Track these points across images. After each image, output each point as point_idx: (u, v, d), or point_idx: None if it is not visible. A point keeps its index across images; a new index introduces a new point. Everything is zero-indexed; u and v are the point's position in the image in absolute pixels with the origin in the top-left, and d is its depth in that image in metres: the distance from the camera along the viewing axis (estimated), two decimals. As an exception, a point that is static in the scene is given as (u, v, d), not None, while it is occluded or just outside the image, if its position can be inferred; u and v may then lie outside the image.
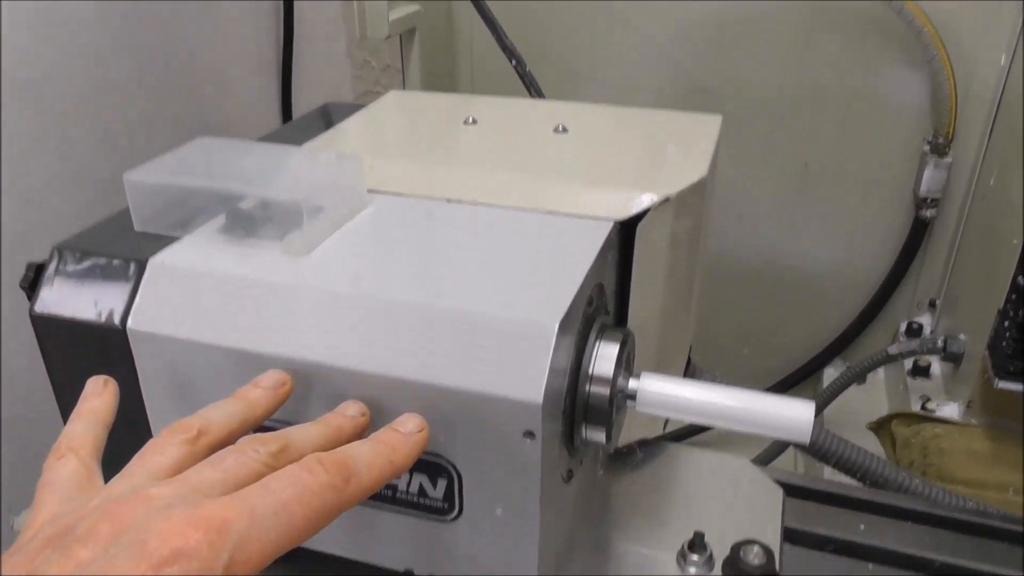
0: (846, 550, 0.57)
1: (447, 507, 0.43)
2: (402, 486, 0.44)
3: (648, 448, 0.63)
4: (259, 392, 0.39)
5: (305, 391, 0.42)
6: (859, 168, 1.11)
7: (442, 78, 1.24)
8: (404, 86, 1.17)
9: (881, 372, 1.14)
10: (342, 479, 0.32)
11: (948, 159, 1.04)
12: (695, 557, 0.52)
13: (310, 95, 1.38)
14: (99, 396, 0.40)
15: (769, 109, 1.12)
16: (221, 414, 0.37)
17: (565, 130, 0.62)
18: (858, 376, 1.02)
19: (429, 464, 0.42)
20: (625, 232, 0.51)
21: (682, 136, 0.61)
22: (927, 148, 1.05)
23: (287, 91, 1.38)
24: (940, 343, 0.95)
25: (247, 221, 0.49)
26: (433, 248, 0.48)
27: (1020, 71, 0.95)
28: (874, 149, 1.10)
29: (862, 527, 0.58)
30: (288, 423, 0.40)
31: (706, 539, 0.53)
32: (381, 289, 0.43)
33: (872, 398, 1.12)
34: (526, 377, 0.39)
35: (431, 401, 0.40)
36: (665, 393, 0.46)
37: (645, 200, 0.51)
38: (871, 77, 1.06)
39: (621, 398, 0.47)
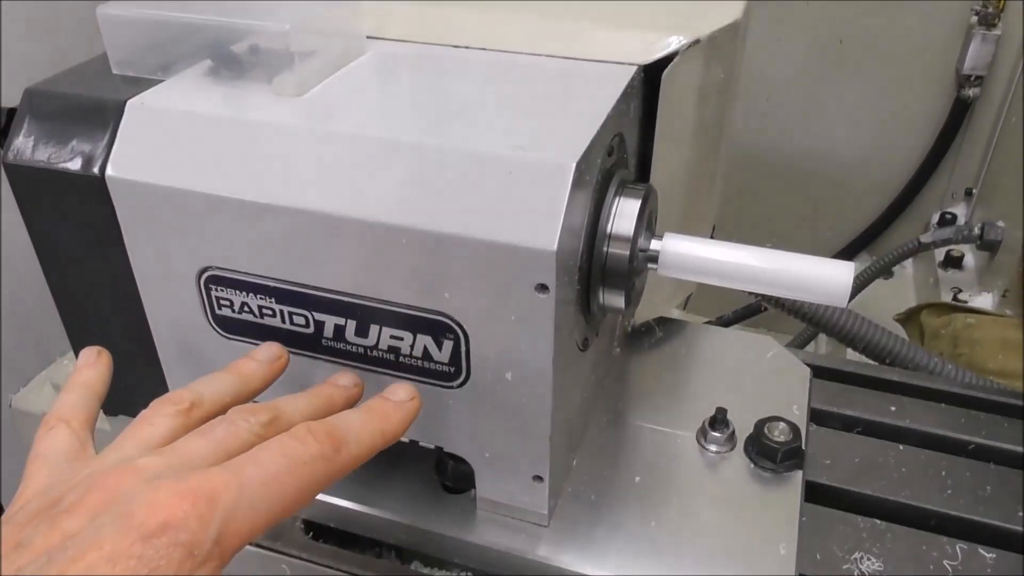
0: (876, 431, 0.54)
1: (454, 371, 0.40)
2: (405, 349, 0.40)
3: (667, 327, 0.60)
4: (254, 365, 0.39)
5: (301, 239, 0.39)
6: (898, 44, 1.04)
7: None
8: None
9: (910, 266, 1.10)
10: (332, 448, 0.32)
11: (997, 31, 0.96)
12: (716, 434, 0.49)
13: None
14: (92, 367, 0.39)
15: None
16: (214, 387, 0.36)
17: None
18: (888, 267, 0.98)
19: (433, 323, 0.39)
20: (650, 80, 0.46)
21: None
22: (974, 19, 0.97)
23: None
24: (977, 231, 0.90)
25: (234, 63, 0.44)
26: (438, 93, 0.43)
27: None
28: (915, 21, 1.02)
29: (893, 408, 0.55)
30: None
31: (728, 416, 0.50)
32: (379, 129, 0.39)
33: (900, 292, 1.08)
34: (539, 223, 0.35)
35: (434, 251, 0.37)
36: (691, 254, 0.42)
37: (672, 43, 0.46)
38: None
39: (642, 259, 0.43)
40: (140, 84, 0.44)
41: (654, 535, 0.44)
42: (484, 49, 0.48)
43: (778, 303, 0.69)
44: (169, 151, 0.41)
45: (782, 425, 0.48)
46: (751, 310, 1.25)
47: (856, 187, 1.16)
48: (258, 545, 0.48)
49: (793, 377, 0.55)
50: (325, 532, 0.49)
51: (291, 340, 0.42)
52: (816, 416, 0.55)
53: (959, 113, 1.04)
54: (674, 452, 0.49)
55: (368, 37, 0.48)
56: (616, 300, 0.43)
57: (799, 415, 0.51)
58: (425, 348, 0.40)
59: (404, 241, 0.37)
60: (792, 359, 0.56)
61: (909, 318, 0.90)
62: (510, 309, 0.37)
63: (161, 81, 0.44)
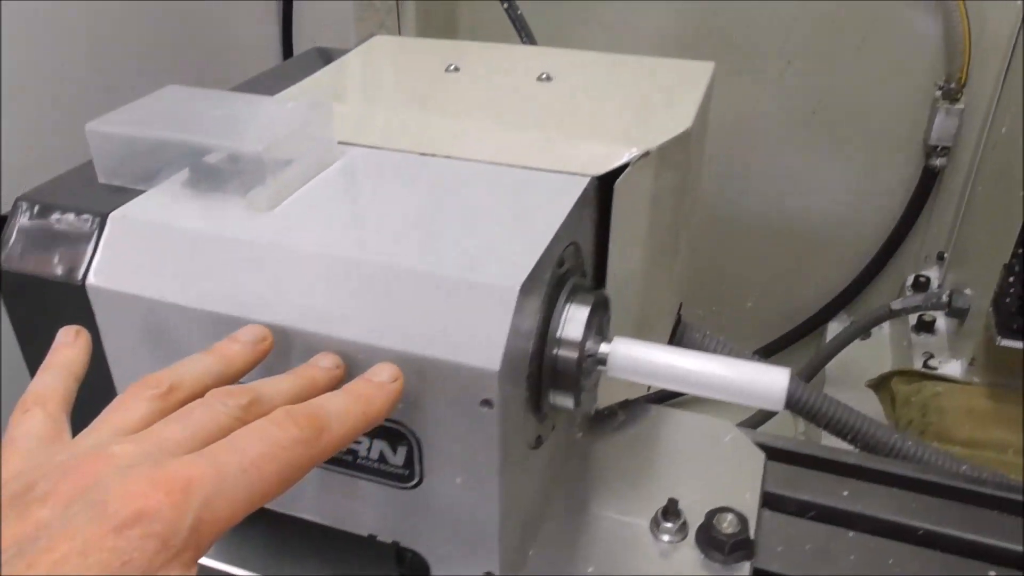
0: (827, 516, 0.56)
1: (408, 474, 0.43)
2: (363, 452, 0.43)
3: (631, 410, 0.62)
4: (237, 347, 0.37)
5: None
6: (868, 115, 1.07)
7: (441, 21, 1.21)
8: (399, 31, 1.14)
9: (887, 327, 1.12)
10: (314, 432, 0.31)
11: (960, 106, 1.00)
12: (668, 524, 0.51)
13: (312, 38, 1.34)
14: (70, 347, 0.38)
15: (778, 49, 1.07)
16: (194, 369, 0.35)
17: (549, 78, 0.59)
18: (859, 332, 1.00)
19: (388, 431, 0.41)
20: (603, 188, 0.49)
21: (669, 86, 0.59)
22: (938, 94, 1.01)
23: (288, 34, 1.35)
24: (945, 298, 0.93)
25: (212, 174, 0.47)
26: (400, 206, 0.46)
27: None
28: (884, 95, 1.06)
29: (845, 493, 0.57)
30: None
31: (680, 505, 0.52)
32: (341, 248, 0.41)
33: (876, 354, 1.10)
34: (483, 344, 0.38)
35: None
36: (636, 358, 0.45)
37: (623, 154, 0.49)
38: (883, 19, 1.01)
39: (592, 362, 0.45)
40: (124, 194, 0.47)
41: (604, 626, 0.46)
42: (449, 157, 0.50)
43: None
44: (146, 262, 0.44)
45: (731, 516, 0.50)
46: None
47: (834, 250, 1.19)
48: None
49: (748, 462, 0.57)
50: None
51: (258, 439, 0.45)
52: (770, 500, 0.57)
53: (928, 181, 1.07)
54: (629, 541, 0.51)
55: (341, 143, 0.51)
56: (566, 401, 0.46)
57: (750, 502, 0.53)
58: (381, 452, 0.43)
59: (360, 356, 0.39)
60: (748, 444, 0.58)
61: (881, 384, 0.92)
62: (458, 422, 0.39)
63: (142, 192, 0.47)
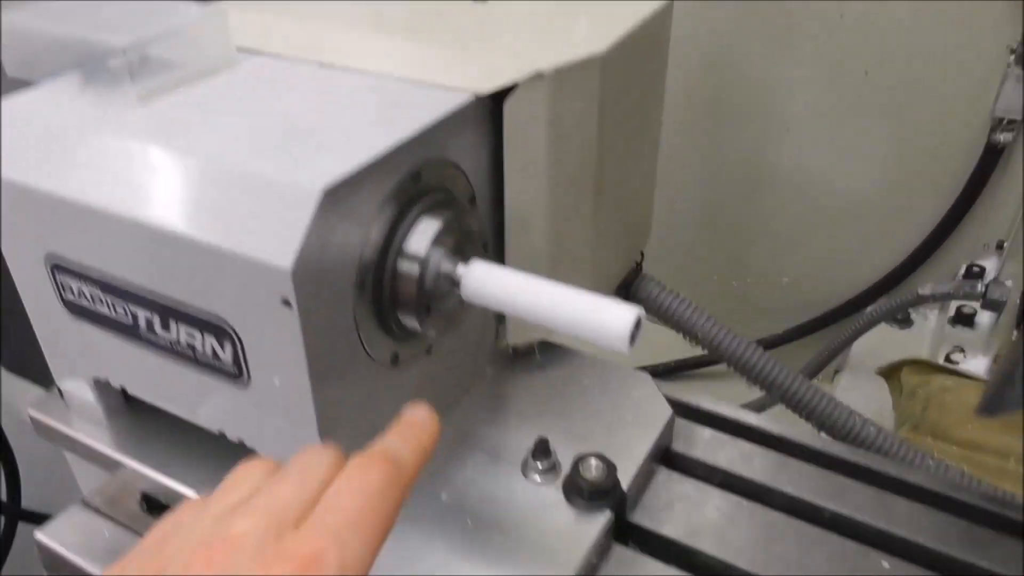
0: (734, 486, 0.52)
1: (237, 372, 0.43)
2: (199, 346, 0.43)
3: (550, 352, 0.59)
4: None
5: (110, 238, 0.42)
6: (927, 78, 0.97)
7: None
8: None
9: (932, 319, 1.03)
10: (395, 471, 0.32)
11: None
12: (537, 464, 0.49)
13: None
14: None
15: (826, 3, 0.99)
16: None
17: (486, -1, 0.57)
18: (883, 317, 0.92)
19: (213, 326, 0.41)
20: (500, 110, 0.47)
21: (603, 13, 0.55)
22: (1011, 59, 0.90)
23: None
24: (981, 288, 0.84)
25: (98, 70, 0.48)
26: (264, 111, 0.45)
27: None
28: (946, 57, 0.95)
29: (761, 464, 0.53)
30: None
31: (561, 450, 0.50)
32: (176, 145, 0.42)
33: (912, 343, 1.02)
34: (280, 242, 0.37)
35: (200, 259, 0.39)
36: (487, 281, 0.43)
37: (510, 74, 0.46)
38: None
39: (445, 283, 0.44)
40: (24, 88, 0.49)
41: (430, 549, 0.45)
42: (342, 68, 0.49)
43: (744, 371, 0.67)
44: (28, 152, 0.45)
45: (597, 463, 0.48)
46: (765, 344, 1.20)
47: (881, 228, 1.09)
48: (96, 509, 0.52)
49: (652, 417, 0.53)
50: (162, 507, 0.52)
51: (116, 327, 0.46)
52: (677, 461, 0.54)
53: (991, 159, 0.96)
54: (495, 477, 0.50)
55: (242, 49, 0.51)
56: (410, 321, 0.44)
57: (637, 455, 0.50)
58: (213, 348, 0.43)
59: (178, 246, 0.39)
60: (659, 400, 0.55)
61: (891, 373, 0.85)
62: (266, 320, 0.39)
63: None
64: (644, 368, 0.59)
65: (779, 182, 1.13)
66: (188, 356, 0.44)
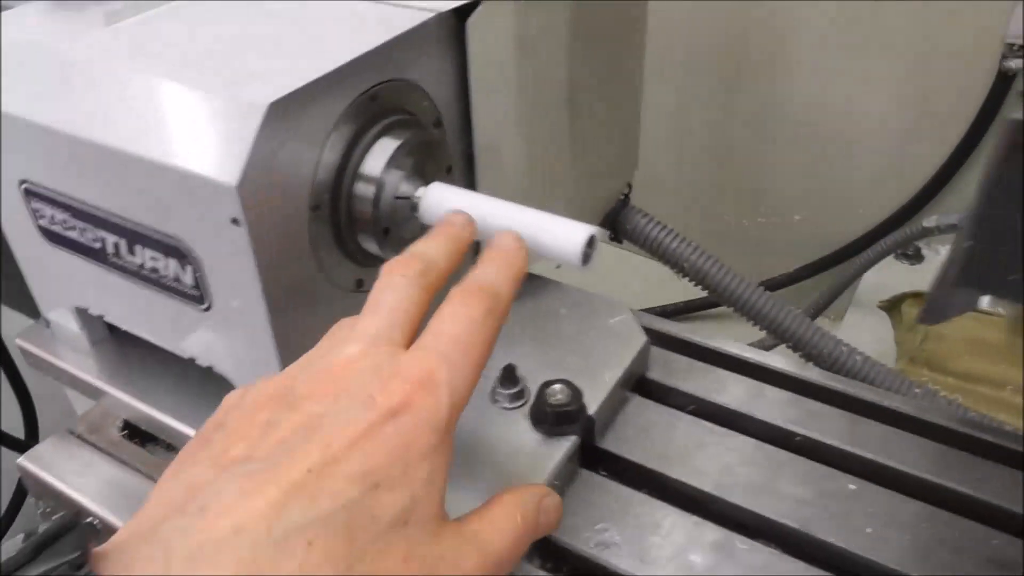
0: (708, 413, 0.52)
1: (199, 295, 0.43)
2: (163, 270, 0.44)
3: (531, 282, 0.59)
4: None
5: (75, 161, 0.43)
6: (935, 10, 0.93)
7: None
8: None
9: (944, 252, 1.01)
10: (493, 301, 0.34)
11: None
12: (503, 391, 0.49)
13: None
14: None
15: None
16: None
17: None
18: (889, 251, 0.91)
19: (173, 248, 0.42)
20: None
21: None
22: (1021, -16, 0.86)
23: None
24: (988, 220, 0.81)
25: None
26: (223, 30, 0.45)
27: None
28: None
29: (735, 391, 0.53)
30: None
31: (529, 376, 0.50)
32: (132, 64, 0.42)
33: (924, 279, 1.00)
34: (226, 157, 0.37)
35: (153, 178, 0.39)
36: (444, 204, 0.43)
37: (472, -9, 0.45)
38: None
39: (404, 206, 0.44)
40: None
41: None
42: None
43: (730, 301, 0.66)
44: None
45: (562, 388, 0.48)
46: (777, 283, 1.19)
47: (891, 163, 1.07)
48: (79, 437, 0.54)
49: (626, 345, 0.53)
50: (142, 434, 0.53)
51: (88, 253, 0.47)
52: (649, 388, 0.54)
53: (1003, 87, 0.93)
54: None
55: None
56: (370, 245, 0.44)
57: (607, 383, 0.50)
58: (176, 271, 0.43)
59: (132, 166, 0.40)
60: (635, 328, 0.55)
61: (893, 306, 0.83)
62: (219, 240, 0.39)
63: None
64: (648, 310, 0.59)
65: (790, 118, 1.10)
66: (154, 280, 0.45)
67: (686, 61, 1.13)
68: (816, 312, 1.07)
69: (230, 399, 0.34)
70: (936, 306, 0.31)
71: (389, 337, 0.33)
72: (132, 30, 0.45)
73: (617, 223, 0.67)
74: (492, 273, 0.36)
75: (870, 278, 0.98)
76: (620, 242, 0.69)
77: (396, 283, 0.34)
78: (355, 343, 0.32)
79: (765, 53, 1.09)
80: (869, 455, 0.48)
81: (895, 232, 0.94)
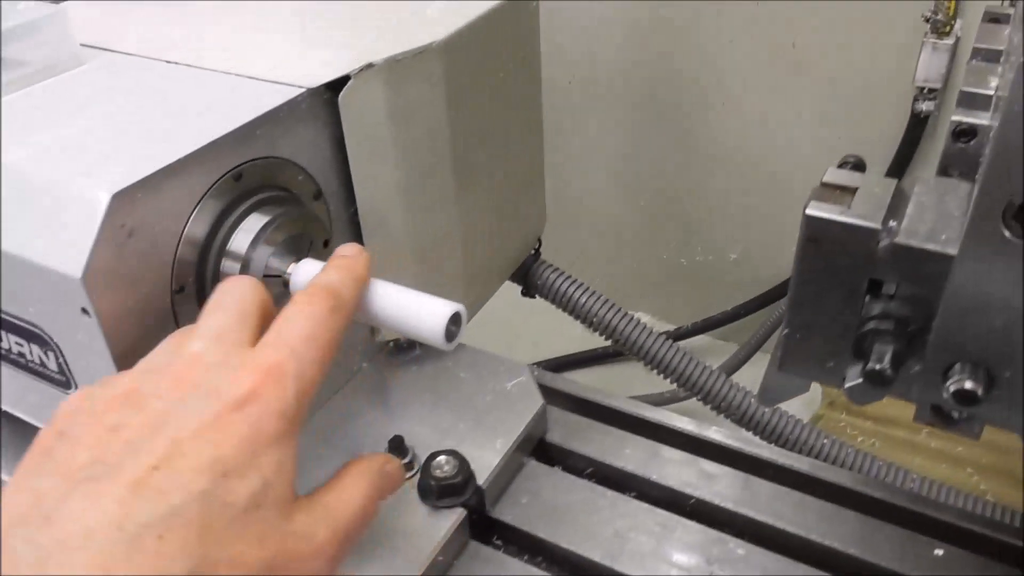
0: (605, 477, 0.52)
1: (65, 380, 0.42)
2: (28, 355, 0.43)
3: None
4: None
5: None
6: (852, 49, 0.95)
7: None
8: None
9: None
10: (336, 299, 0.36)
11: (949, 40, 0.87)
12: (393, 461, 0.49)
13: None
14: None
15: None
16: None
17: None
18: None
19: (33, 334, 0.41)
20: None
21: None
22: (927, 27, 0.88)
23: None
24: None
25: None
26: (87, 110, 0.45)
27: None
28: (869, 25, 0.93)
29: (627, 451, 0.53)
30: None
31: (410, 443, 0.49)
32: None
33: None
34: (72, 248, 0.36)
35: (8, 267, 0.39)
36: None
37: (340, 66, 0.45)
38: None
39: (276, 283, 0.43)
40: None
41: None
42: (182, 64, 0.48)
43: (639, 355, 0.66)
44: None
45: (448, 460, 0.47)
46: (715, 322, 1.20)
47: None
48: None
49: (522, 409, 0.53)
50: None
51: (-42, 336, 0.46)
52: (548, 451, 0.54)
53: (916, 128, 0.94)
54: (354, 475, 0.49)
55: (88, 47, 0.51)
56: (240, 322, 0.44)
57: (500, 449, 0.50)
58: (40, 356, 0.42)
59: (-15, 255, 0.39)
60: (532, 390, 0.54)
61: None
62: (74, 329, 0.38)
63: None
64: (554, 360, 0.59)
65: (721, 158, 1.11)
66: (22, 365, 0.44)
67: (619, 100, 1.14)
68: (753, 349, 1.08)
69: (68, 405, 0.33)
70: (769, 390, 0.31)
71: (236, 335, 0.33)
72: (6, 107, 0.45)
73: (528, 278, 0.67)
74: (334, 276, 0.37)
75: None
76: (532, 297, 0.69)
77: (243, 288, 0.36)
78: (199, 340, 0.33)
79: (696, 92, 1.10)
80: (759, 516, 0.48)
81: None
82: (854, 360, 0.27)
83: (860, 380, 0.27)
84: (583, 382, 0.59)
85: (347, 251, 0.40)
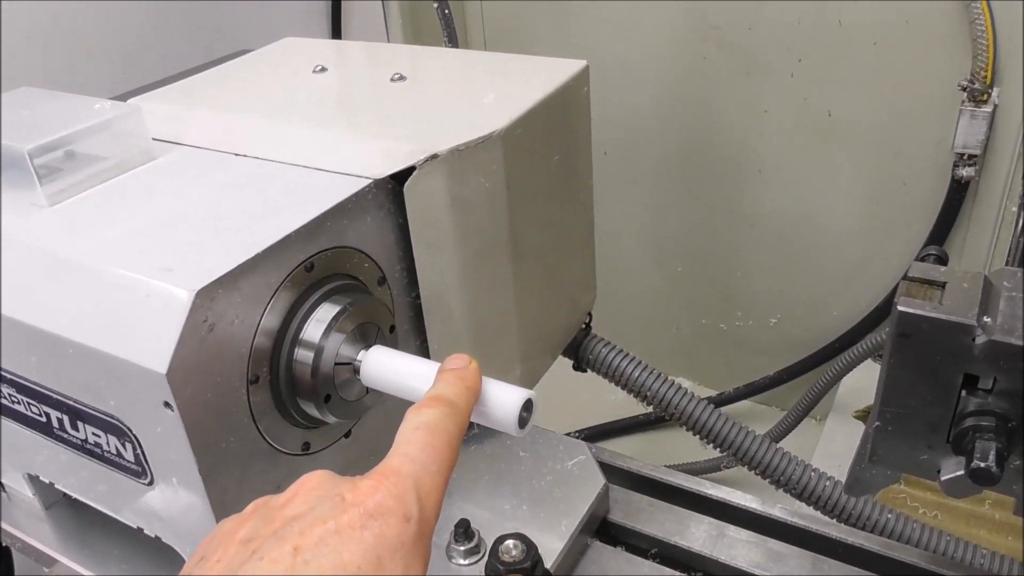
0: (669, 556, 0.51)
1: (141, 471, 0.43)
2: (104, 445, 0.43)
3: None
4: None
5: (17, 341, 0.43)
6: (888, 117, 0.96)
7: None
8: (388, 36, 1.15)
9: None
10: (449, 407, 0.36)
11: (987, 108, 0.87)
12: (459, 547, 0.49)
13: (361, 35, 1.38)
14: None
15: (788, 46, 0.99)
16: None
17: (403, 78, 0.57)
18: (867, 355, 0.90)
19: (112, 426, 0.42)
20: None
21: (514, 85, 0.55)
22: (963, 95, 0.88)
23: (337, 33, 1.40)
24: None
25: (15, 173, 0.49)
26: (162, 206, 0.46)
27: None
28: (904, 95, 0.94)
29: (691, 530, 0.52)
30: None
31: (476, 527, 0.49)
32: (68, 248, 0.42)
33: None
34: (156, 344, 0.37)
35: (92, 362, 0.40)
36: (382, 368, 0.43)
37: (407, 157, 0.47)
38: (901, 10, 0.90)
39: (346, 370, 0.44)
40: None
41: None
42: (251, 157, 0.50)
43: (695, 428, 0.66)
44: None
45: (516, 544, 0.47)
46: (758, 387, 1.19)
47: (858, 265, 1.08)
48: None
49: (584, 490, 0.53)
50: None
51: (35, 426, 0.47)
52: (611, 532, 0.53)
53: (957, 194, 0.94)
54: (420, 559, 0.49)
55: (163, 140, 0.53)
56: (311, 409, 0.44)
57: (565, 532, 0.50)
58: (117, 447, 0.43)
59: (70, 350, 0.40)
60: (593, 470, 0.54)
61: (867, 415, 0.83)
62: (155, 421, 0.39)
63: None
64: (596, 427, 0.58)
65: (759, 225, 1.12)
66: (98, 455, 0.45)
67: (654, 169, 1.16)
68: (800, 416, 1.07)
69: (210, 533, 0.33)
70: (857, 482, 0.31)
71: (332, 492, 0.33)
72: (72, 209, 0.46)
73: (579, 354, 0.67)
74: (444, 388, 0.38)
75: (849, 382, 0.97)
76: (584, 371, 0.69)
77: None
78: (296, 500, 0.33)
79: (731, 161, 1.12)
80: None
81: (869, 335, 0.94)
82: (950, 453, 0.27)
83: (960, 473, 0.27)
84: (627, 451, 0.59)
85: (457, 363, 0.40)
